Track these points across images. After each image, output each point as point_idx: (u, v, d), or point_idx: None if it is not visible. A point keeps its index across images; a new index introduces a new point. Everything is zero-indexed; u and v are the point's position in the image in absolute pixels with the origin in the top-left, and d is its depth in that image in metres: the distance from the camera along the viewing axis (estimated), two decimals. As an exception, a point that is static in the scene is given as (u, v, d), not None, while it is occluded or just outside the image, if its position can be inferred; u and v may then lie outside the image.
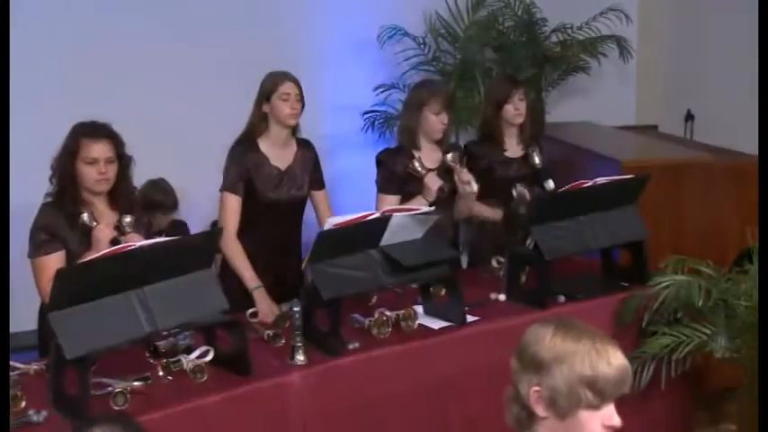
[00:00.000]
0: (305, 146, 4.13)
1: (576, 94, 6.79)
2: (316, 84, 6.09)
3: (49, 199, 3.46)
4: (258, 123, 4.00)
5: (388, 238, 3.42)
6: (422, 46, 6.10)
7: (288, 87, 3.96)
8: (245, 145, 3.98)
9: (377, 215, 3.38)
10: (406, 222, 3.43)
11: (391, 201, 4.12)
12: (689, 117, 6.50)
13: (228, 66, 5.71)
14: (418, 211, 3.50)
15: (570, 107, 6.70)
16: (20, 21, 4.41)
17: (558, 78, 6.41)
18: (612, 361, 2.00)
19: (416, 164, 4.12)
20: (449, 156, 4.18)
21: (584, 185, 3.85)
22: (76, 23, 5.30)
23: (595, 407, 1.99)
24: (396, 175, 4.18)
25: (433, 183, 4.12)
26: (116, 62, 5.44)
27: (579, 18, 6.32)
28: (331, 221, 3.33)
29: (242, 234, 3.93)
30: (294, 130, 4.07)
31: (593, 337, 2.02)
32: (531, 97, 6.25)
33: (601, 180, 3.88)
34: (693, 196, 4.58)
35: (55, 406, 2.82)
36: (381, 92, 6.06)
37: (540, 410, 2.02)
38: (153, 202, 5.15)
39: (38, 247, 3.38)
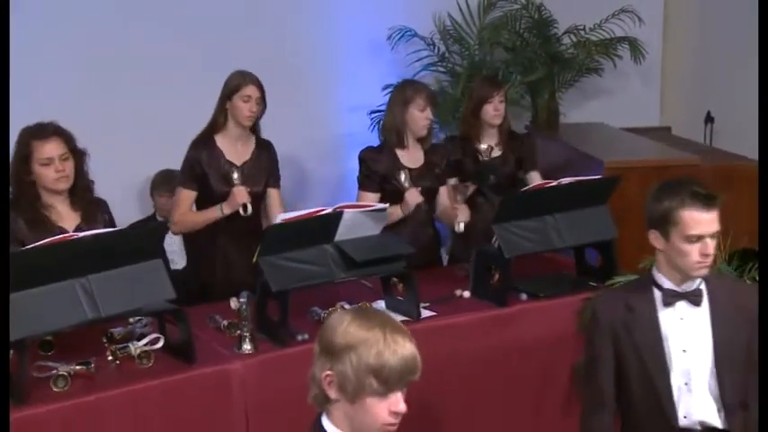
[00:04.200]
0: (264, 146, 4.27)
1: (599, 94, 6.77)
2: (329, 85, 6.25)
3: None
4: (219, 119, 4.18)
5: (342, 234, 3.51)
6: (431, 47, 6.16)
7: (250, 90, 4.13)
8: (202, 141, 4.18)
9: (328, 211, 3.47)
10: (358, 218, 3.51)
11: (371, 198, 4.25)
12: (708, 119, 6.45)
13: (241, 68, 5.81)
14: (370, 208, 3.58)
15: (590, 109, 6.68)
16: (20, 20, 4.58)
17: (572, 80, 6.40)
18: (398, 350, 2.07)
19: (402, 177, 4.22)
20: (451, 181, 4.32)
21: (548, 185, 3.88)
22: (76, 23, 5.40)
23: (381, 394, 2.08)
24: (375, 174, 4.30)
25: (413, 199, 4.21)
26: (130, 66, 5.55)
27: (592, 20, 6.31)
28: (282, 216, 3.43)
29: (202, 233, 4.15)
30: (254, 129, 4.24)
31: (384, 327, 2.09)
32: (544, 98, 6.30)
33: (565, 180, 3.90)
34: (678, 198, 4.54)
35: (-2, 386, 2.97)
36: (389, 92, 6.12)
37: (331, 393, 2.12)
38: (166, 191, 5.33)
39: None
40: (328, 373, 2.11)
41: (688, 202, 2.87)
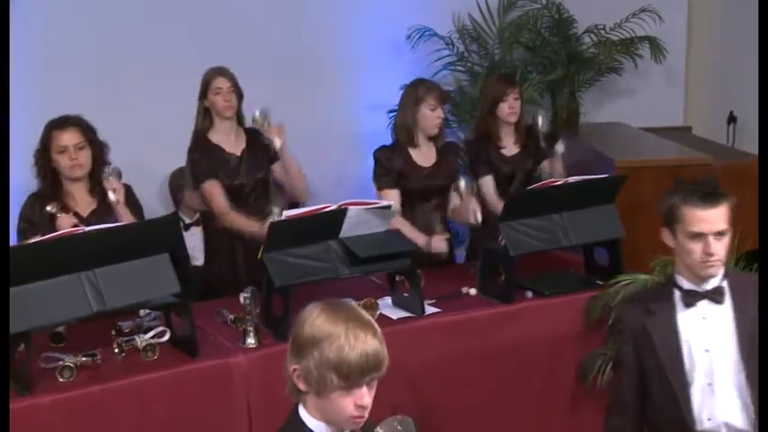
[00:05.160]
0: (253, 134, 4.37)
1: (621, 94, 6.75)
2: (349, 84, 6.30)
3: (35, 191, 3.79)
4: (203, 120, 4.31)
5: (347, 230, 3.55)
6: (450, 46, 6.18)
7: (219, 82, 4.26)
8: (199, 143, 4.29)
9: (333, 207, 3.52)
10: (363, 215, 3.55)
11: (393, 195, 4.29)
12: (731, 119, 6.41)
13: (261, 69, 5.83)
14: (374, 205, 3.61)
15: (613, 109, 6.66)
16: (20, 19, 4.65)
17: (592, 79, 6.39)
18: (358, 346, 2.06)
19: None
20: (462, 183, 4.29)
21: (554, 184, 3.90)
22: (89, 19, 5.48)
23: (345, 389, 2.09)
24: (391, 171, 4.35)
25: (437, 248, 4.24)
26: (144, 62, 5.59)
27: (612, 19, 6.30)
28: (286, 212, 3.49)
29: (218, 231, 4.25)
30: (239, 121, 4.34)
31: (347, 321, 2.08)
32: (564, 98, 6.30)
33: (572, 179, 3.92)
34: (690, 197, 4.54)
35: (4, 377, 3.05)
36: (406, 91, 6.15)
37: (301, 386, 2.15)
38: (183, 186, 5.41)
39: (20, 234, 3.68)
40: (295, 367, 2.14)
41: (689, 199, 2.87)
